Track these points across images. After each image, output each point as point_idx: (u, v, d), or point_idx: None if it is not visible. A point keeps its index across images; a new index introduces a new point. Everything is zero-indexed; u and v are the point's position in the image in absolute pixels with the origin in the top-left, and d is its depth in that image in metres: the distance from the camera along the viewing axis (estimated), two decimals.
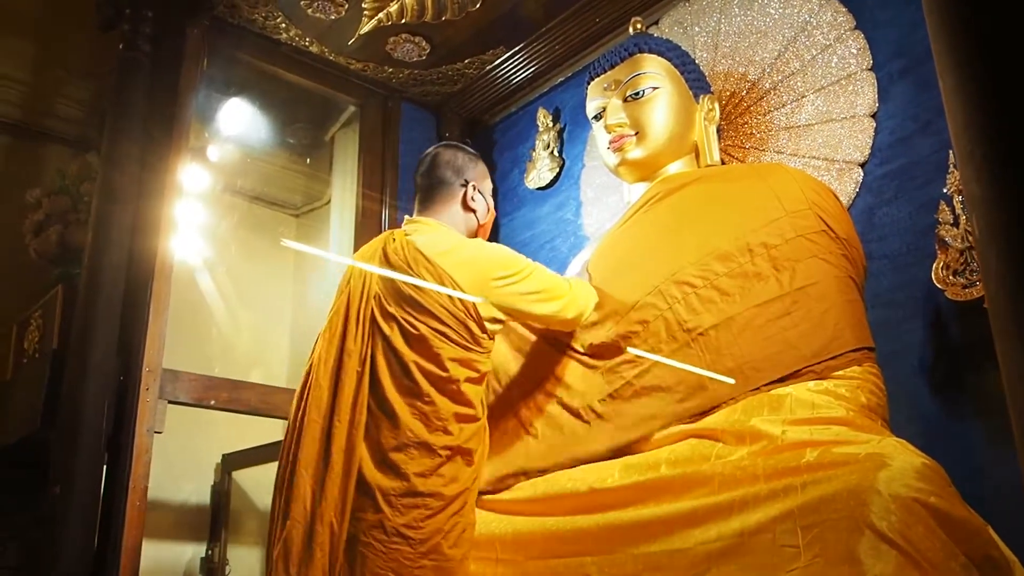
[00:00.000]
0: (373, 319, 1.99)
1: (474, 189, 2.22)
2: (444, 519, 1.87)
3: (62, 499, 2.39)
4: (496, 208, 3.53)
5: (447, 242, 2.07)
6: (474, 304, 1.95)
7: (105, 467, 2.54)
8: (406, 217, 2.24)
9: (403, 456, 1.87)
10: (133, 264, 2.74)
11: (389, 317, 1.97)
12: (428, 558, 1.85)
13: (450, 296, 1.93)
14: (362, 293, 2.04)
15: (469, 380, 1.94)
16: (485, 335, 1.98)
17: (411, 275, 1.97)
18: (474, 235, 2.23)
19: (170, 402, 2.68)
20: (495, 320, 2.01)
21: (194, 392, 2.77)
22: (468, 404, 1.94)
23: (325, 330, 2.10)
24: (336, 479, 1.88)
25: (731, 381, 1.97)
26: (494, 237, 3.47)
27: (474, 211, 2.23)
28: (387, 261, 2.05)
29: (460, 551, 1.90)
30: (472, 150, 2.36)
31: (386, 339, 1.95)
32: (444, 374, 1.91)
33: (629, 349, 2.17)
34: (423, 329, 1.93)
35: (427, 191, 2.22)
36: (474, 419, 1.96)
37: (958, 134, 0.80)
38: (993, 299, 0.78)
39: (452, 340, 1.93)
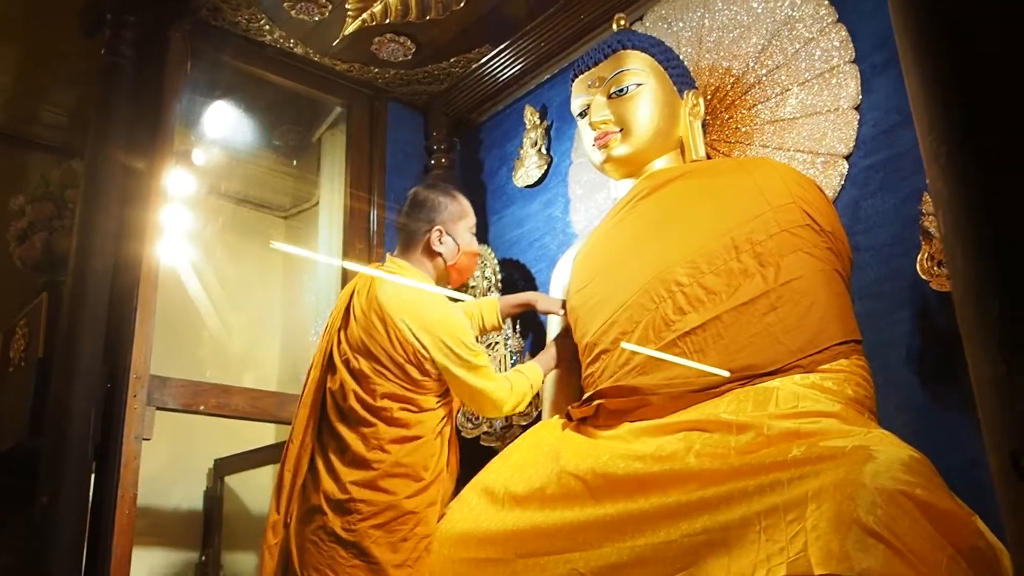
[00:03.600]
0: (331, 354, 2.29)
1: (440, 233, 2.39)
2: (375, 526, 2.10)
3: (50, 508, 2.38)
4: (484, 207, 3.57)
5: (408, 294, 2.28)
6: (414, 353, 2.19)
7: (93, 475, 2.53)
8: (387, 256, 2.43)
9: (345, 469, 2.15)
10: (119, 270, 2.73)
11: (342, 354, 2.27)
12: (360, 559, 2.08)
13: (390, 342, 2.19)
14: (331, 331, 2.34)
15: (405, 410, 2.19)
16: (427, 378, 2.22)
17: (367, 321, 2.24)
18: (445, 276, 2.43)
19: (158, 408, 2.67)
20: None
21: (182, 398, 2.76)
22: (404, 426, 2.18)
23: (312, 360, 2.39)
24: (284, 494, 2.23)
25: (724, 373, 1.97)
26: (483, 237, 3.47)
27: (440, 254, 2.39)
28: (352, 306, 2.31)
29: (399, 557, 2.10)
30: (449, 188, 2.53)
31: (341, 373, 2.25)
32: (375, 403, 2.18)
33: (623, 344, 2.18)
34: (364, 366, 2.21)
35: (401, 233, 2.46)
36: (412, 439, 2.18)
37: (924, 133, 0.79)
38: (960, 300, 0.77)
39: (388, 379, 2.19)
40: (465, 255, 2.44)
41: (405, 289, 2.29)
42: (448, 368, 2.21)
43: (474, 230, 2.50)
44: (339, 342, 2.29)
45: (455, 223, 2.42)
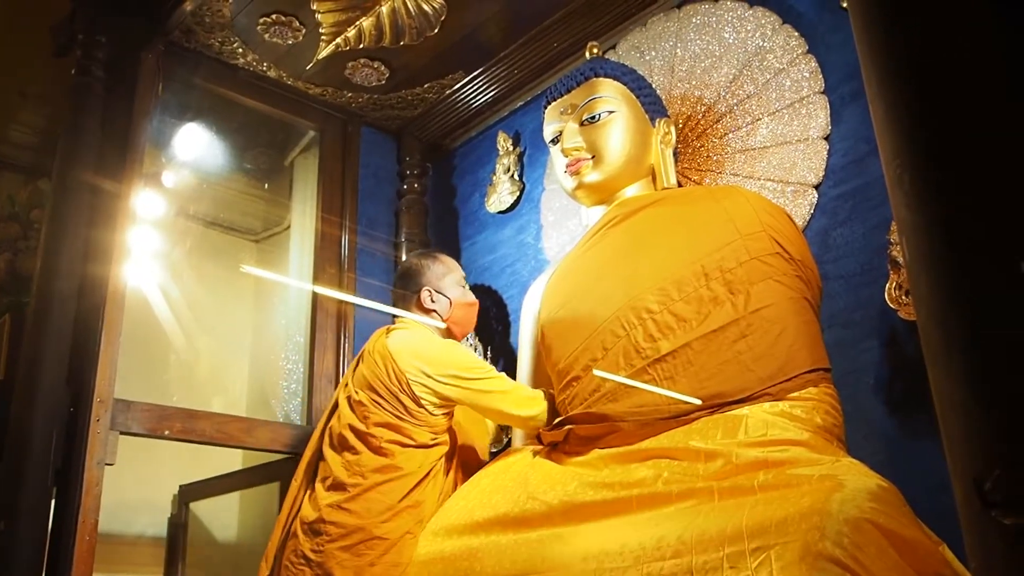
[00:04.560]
0: (339, 400, 2.40)
1: (429, 293, 2.53)
2: (342, 548, 2.13)
3: (8, 535, 2.32)
4: (457, 233, 3.57)
5: (412, 338, 2.40)
6: (408, 383, 2.25)
7: (53, 501, 2.48)
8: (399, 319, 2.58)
9: (325, 493, 2.22)
10: (84, 292, 2.68)
11: (347, 392, 2.37)
12: None
13: (387, 374, 2.27)
14: (343, 382, 2.46)
15: (394, 442, 2.23)
16: (423, 410, 2.26)
17: (371, 360, 2.34)
18: (446, 331, 2.54)
19: (122, 433, 2.61)
20: (442, 404, 2.29)
21: (147, 423, 2.71)
22: (387, 456, 2.22)
23: None
24: (279, 526, 2.32)
25: (694, 401, 1.97)
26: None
27: (434, 310, 2.52)
28: (363, 355, 2.42)
29: None
30: (432, 251, 2.74)
31: (341, 407, 2.35)
32: (366, 430, 2.24)
33: (594, 371, 2.17)
34: (362, 397, 2.29)
35: (399, 300, 2.61)
36: (393, 469, 2.21)
37: (888, 160, 0.80)
38: (923, 326, 0.78)
39: (383, 408, 2.25)
40: (459, 307, 2.56)
41: (409, 336, 2.41)
42: (470, 398, 2.28)
43: (464, 283, 2.61)
44: (346, 386, 2.41)
45: (440, 280, 2.56)
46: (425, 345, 2.37)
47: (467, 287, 2.65)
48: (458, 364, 2.30)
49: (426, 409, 2.26)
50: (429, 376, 2.26)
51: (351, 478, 2.20)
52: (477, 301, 2.66)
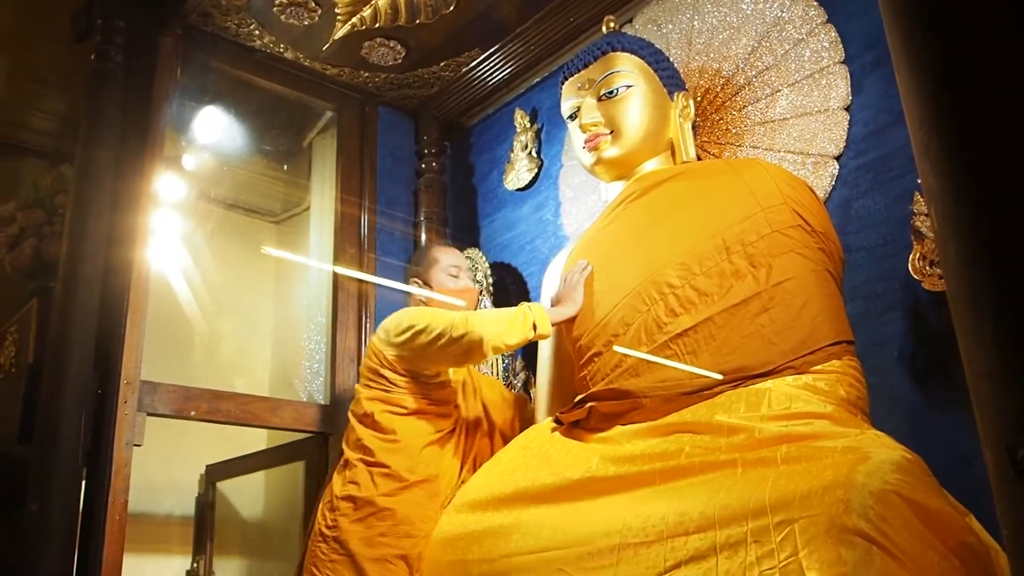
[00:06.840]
0: None
1: (419, 285, 2.65)
2: (354, 520, 2.21)
3: (40, 516, 2.36)
4: (475, 210, 3.57)
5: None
6: (384, 356, 2.36)
7: (84, 482, 2.52)
8: None
9: (337, 476, 2.34)
10: (109, 275, 2.71)
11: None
12: (337, 554, 2.19)
13: (369, 355, 2.43)
14: None
15: (388, 412, 2.33)
16: (405, 377, 2.35)
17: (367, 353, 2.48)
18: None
19: (149, 414, 2.65)
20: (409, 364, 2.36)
21: (173, 404, 2.74)
22: (381, 430, 2.32)
23: None
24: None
25: (716, 376, 1.97)
26: (474, 240, 3.48)
27: (422, 301, 2.64)
28: None
29: (376, 552, 2.17)
30: (432, 244, 2.94)
31: None
32: (360, 411, 2.37)
33: (615, 347, 2.17)
34: (358, 385, 2.45)
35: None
36: (391, 441, 2.31)
37: (915, 128, 0.79)
38: (953, 294, 0.77)
39: (369, 385, 2.38)
40: (444, 294, 2.61)
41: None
42: (420, 348, 2.28)
43: (457, 272, 2.64)
44: None
45: (427, 271, 2.65)
46: (390, 316, 2.46)
47: (462, 275, 2.65)
48: (409, 319, 2.33)
49: (406, 376, 2.33)
50: (390, 342, 2.34)
51: (356, 453, 2.30)
52: (469, 288, 2.67)
